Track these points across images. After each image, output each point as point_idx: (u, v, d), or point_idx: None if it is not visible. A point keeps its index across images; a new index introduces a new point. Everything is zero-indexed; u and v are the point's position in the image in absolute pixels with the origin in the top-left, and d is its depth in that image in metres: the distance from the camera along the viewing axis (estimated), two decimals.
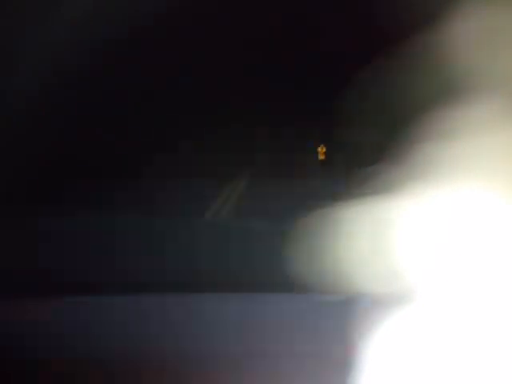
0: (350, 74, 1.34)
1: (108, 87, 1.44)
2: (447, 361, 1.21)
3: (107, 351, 1.19)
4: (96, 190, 1.44)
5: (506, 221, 1.28)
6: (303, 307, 1.28)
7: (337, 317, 1.24)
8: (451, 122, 1.30)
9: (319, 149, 1.43)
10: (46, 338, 1.22)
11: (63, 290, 1.29)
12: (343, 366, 1.21)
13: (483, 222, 1.29)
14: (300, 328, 1.27)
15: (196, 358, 1.19)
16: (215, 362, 1.20)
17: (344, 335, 1.21)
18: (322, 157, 1.42)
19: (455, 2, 1.32)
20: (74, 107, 1.43)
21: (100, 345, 1.20)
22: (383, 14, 1.34)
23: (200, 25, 1.44)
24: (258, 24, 1.43)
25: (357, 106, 1.35)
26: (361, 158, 1.35)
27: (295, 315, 1.29)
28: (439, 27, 1.32)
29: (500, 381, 1.19)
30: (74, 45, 1.41)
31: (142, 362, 1.17)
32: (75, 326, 1.24)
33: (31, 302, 1.28)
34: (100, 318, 1.25)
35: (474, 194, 1.28)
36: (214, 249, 1.41)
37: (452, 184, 1.29)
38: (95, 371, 1.16)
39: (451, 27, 1.32)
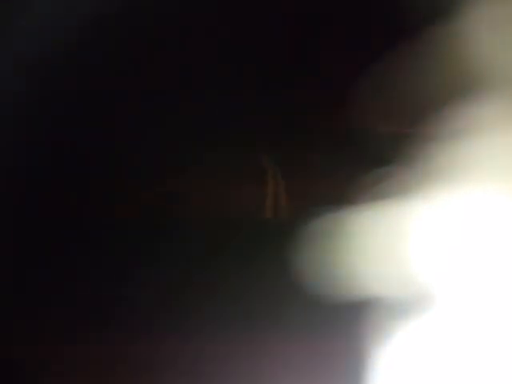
0: (356, 73, 1.33)
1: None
2: (456, 363, 1.22)
3: None
4: None
5: None
6: (312, 310, 1.26)
7: (346, 319, 1.23)
8: (460, 122, 1.30)
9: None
10: None
11: None
12: (351, 366, 1.21)
13: (494, 224, 1.28)
14: (307, 330, 1.27)
15: None
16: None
17: (353, 338, 1.20)
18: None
19: (460, 0, 1.32)
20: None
21: None
22: (387, 13, 1.34)
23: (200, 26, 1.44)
24: (257, 21, 1.44)
25: (363, 106, 1.34)
26: (370, 159, 1.35)
27: (303, 317, 1.28)
28: (445, 25, 1.32)
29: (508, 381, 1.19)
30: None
31: None
32: None
33: None
34: None
35: (484, 195, 1.28)
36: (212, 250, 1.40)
37: (463, 185, 1.28)
38: None
39: (457, 25, 1.32)
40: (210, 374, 1.28)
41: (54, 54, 1.36)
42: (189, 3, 1.40)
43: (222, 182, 1.44)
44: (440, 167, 1.29)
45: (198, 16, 1.42)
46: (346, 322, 1.22)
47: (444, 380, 1.21)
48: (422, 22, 1.29)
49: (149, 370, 1.30)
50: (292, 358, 1.24)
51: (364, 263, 1.25)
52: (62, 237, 1.38)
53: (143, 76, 1.44)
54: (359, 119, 1.32)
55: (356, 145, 1.33)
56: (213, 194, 1.42)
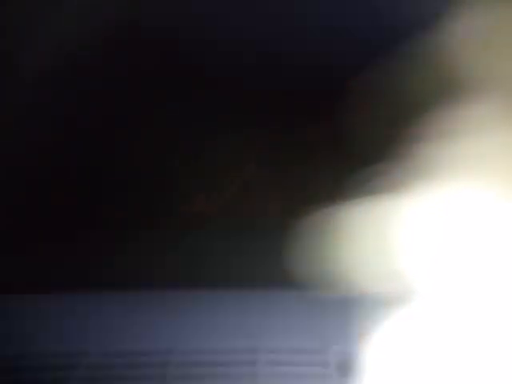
0: (351, 74, 1.34)
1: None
2: (448, 361, 1.21)
3: None
4: None
5: (507, 221, 1.28)
6: (303, 306, 1.28)
7: (337, 316, 1.24)
8: (452, 122, 1.30)
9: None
10: None
11: None
12: (344, 365, 1.21)
13: (484, 221, 1.28)
14: (300, 327, 1.27)
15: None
16: (211, 358, 1.20)
17: (344, 335, 1.21)
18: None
19: (455, 2, 1.32)
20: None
21: None
22: (383, 14, 1.34)
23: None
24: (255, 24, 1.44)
25: (357, 105, 1.35)
26: (362, 157, 1.35)
27: (295, 314, 1.29)
28: (439, 27, 1.32)
29: (501, 381, 1.19)
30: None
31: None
32: None
33: None
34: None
35: (475, 193, 1.28)
36: (213, 245, 1.41)
37: (453, 184, 1.29)
38: None
39: (451, 27, 1.32)
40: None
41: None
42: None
43: (222, 178, 1.45)
44: (431, 166, 1.29)
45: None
46: (335, 317, 1.24)
47: (434, 376, 1.22)
48: (411, 24, 1.29)
49: None
50: (281, 353, 1.25)
51: (355, 260, 1.26)
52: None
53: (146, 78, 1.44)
54: (350, 119, 1.33)
55: (346, 143, 1.34)
56: (212, 193, 1.43)
